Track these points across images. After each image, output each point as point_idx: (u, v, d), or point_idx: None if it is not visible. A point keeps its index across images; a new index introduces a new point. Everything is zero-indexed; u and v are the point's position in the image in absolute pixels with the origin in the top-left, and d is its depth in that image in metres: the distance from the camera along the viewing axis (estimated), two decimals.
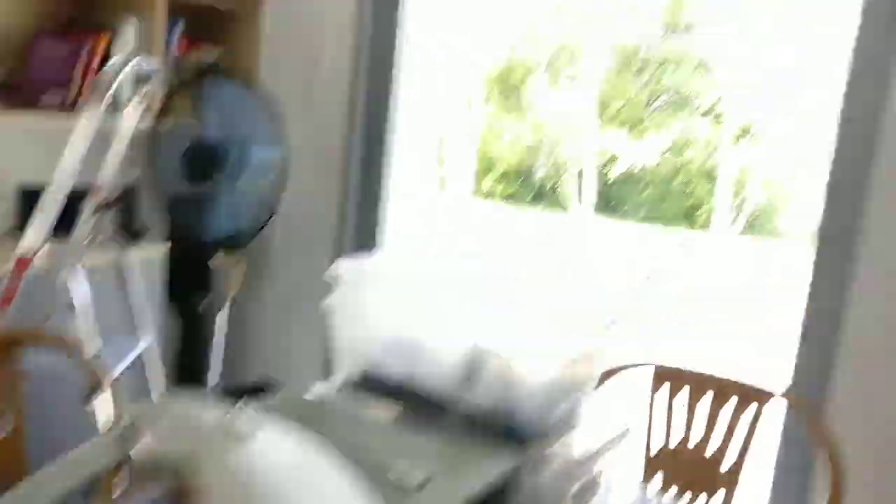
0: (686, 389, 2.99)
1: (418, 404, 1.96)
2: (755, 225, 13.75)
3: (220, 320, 2.62)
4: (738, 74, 13.27)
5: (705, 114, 13.53)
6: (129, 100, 2.44)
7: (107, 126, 2.62)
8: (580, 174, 14.51)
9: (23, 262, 2.78)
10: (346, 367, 2.09)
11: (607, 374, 2.74)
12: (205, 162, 2.26)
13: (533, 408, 1.87)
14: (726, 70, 13.20)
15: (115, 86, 2.41)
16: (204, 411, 1.44)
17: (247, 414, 1.46)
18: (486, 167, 15.74)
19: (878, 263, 2.18)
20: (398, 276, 2.01)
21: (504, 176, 15.54)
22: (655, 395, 3.03)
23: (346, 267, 2.02)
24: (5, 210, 3.35)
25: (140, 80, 2.47)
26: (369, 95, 2.76)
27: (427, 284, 1.94)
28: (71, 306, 2.84)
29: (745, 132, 13.38)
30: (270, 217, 2.39)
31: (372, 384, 2.04)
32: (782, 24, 12.42)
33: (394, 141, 2.89)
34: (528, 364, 1.91)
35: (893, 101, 2.16)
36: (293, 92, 2.94)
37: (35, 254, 2.68)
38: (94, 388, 2.21)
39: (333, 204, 2.87)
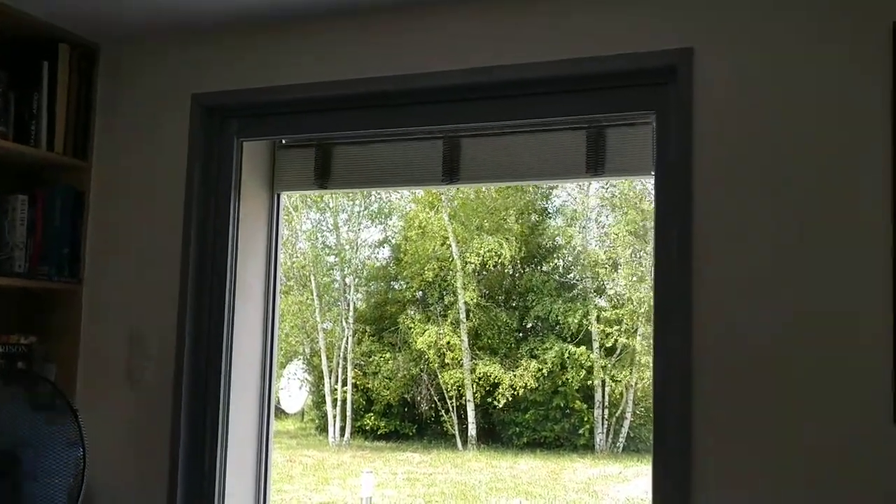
0: None
1: None
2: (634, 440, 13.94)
3: None
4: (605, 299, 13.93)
5: (574, 338, 14.03)
6: None
7: None
8: (461, 405, 14.53)
9: None
10: None
11: None
12: None
13: None
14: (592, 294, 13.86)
15: None
16: None
17: None
18: (365, 404, 15.57)
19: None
20: None
21: (385, 411, 15.38)
22: None
23: None
24: None
25: None
26: (196, 370, 2.70)
27: None
28: None
29: (613, 350, 13.88)
30: None
31: None
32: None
33: (227, 419, 2.83)
34: None
35: None
36: (115, 370, 2.88)
37: None
38: None
39: (162, 493, 2.74)
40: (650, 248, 13.18)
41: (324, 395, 14.38)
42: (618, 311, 13.02)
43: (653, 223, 2.23)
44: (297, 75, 2.60)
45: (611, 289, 13.34)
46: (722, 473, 2.10)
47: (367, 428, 14.22)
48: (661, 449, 2.20)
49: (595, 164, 2.41)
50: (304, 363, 15.00)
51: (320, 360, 14.45)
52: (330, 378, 14.30)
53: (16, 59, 2.70)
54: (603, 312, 13.21)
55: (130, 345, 2.78)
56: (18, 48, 2.71)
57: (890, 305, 1.96)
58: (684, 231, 2.16)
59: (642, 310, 12.74)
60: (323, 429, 14.45)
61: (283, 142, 2.86)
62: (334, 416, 14.10)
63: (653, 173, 2.28)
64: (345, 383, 14.18)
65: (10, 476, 2.26)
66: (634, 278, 12.81)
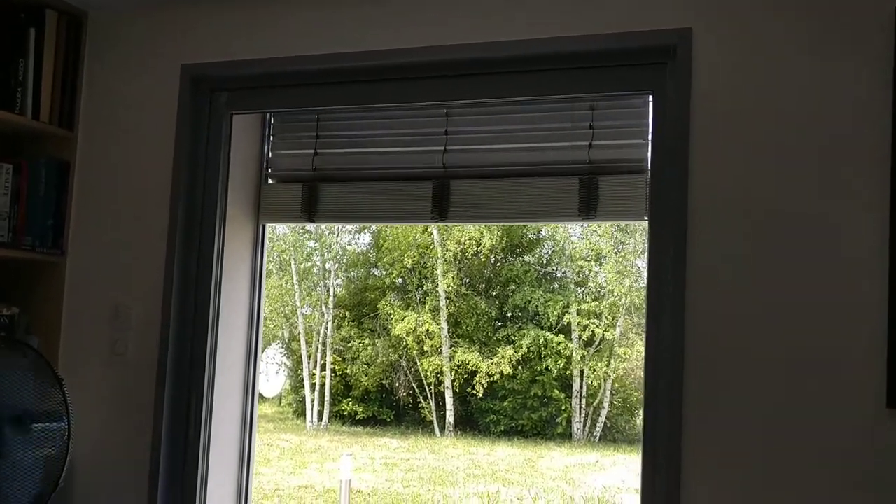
0: None
1: None
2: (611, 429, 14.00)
3: None
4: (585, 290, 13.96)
5: (553, 328, 14.05)
6: None
7: None
8: (440, 392, 14.54)
9: None
10: None
11: None
12: None
13: None
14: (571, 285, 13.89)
15: None
16: None
17: None
18: (343, 389, 15.54)
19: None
20: None
21: (363, 397, 15.36)
22: None
23: None
24: None
25: None
26: (181, 344, 2.67)
27: None
28: None
29: (592, 342, 13.91)
30: (55, 489, 2.19)
31: None
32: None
33: (212, 393, 2.81)
34: None
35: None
36: (97, 343, 2.83)
37: None
38: None
39: (144, 468, 2.71)
40: (632, 241, 13.21)
41: (302, 380, 14.34)
42: (598, 302, 13.05)
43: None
44: (290, 48, 2.56)
45: (592, 281, 13.37)
46: (714, 462, 2.09)
47: (345, 413, 14.21)
48: (651, 440, 2.18)
49: (587, 208, 2.39)
50: (282, 347, 14.95)
51: (299, 345, 14.40)
52: (308, 363, 14.25)
53: (1, 25, 2.63)
54: (583, 304, 13.24)
55: (114, 318, 2.74)
56: (4, 14, 2.64)
57: (886, 290, 1.96)
58: (679, 215, 2.15)
59: (622, 302, 12.78)
60: (300, 413, 14.41)
61: (270, 175, 2.80)
62: (312, 401, 14.06)
63: (646, 218, 2.26)
64: (323, 368, 14.15)
65: None
66: (616, 272, 12.85)
